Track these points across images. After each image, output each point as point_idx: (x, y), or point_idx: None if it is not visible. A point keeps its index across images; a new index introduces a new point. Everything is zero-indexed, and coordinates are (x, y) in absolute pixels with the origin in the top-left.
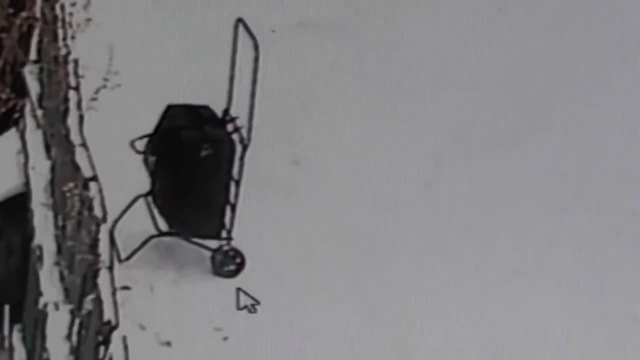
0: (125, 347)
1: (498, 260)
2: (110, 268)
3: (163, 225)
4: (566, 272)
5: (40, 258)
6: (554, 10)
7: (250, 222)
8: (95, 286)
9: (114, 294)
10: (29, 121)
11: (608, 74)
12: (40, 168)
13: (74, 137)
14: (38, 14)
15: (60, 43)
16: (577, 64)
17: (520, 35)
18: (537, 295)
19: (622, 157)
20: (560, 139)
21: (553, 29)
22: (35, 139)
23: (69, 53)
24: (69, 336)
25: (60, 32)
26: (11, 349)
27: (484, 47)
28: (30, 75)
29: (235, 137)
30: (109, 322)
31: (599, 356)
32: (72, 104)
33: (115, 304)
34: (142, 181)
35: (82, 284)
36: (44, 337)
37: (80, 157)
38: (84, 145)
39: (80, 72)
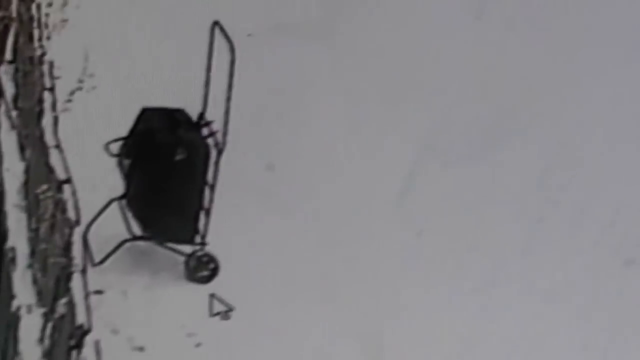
0: (98, 352)
1: (473, 269)
2: (84, 271)
3: (137, 229)
4: (542, 281)
5: (13, 260)
6: (531, 18)
7: (224, 227)
8: (68, 290)
9: (87, 297)
10: (4, 122)
11: (586, 83)
12: (14, 170)
13: (49, 139)
14: (14, 14)
15: (36, 44)
16: (554, 72)
17: (497, 43)
18: (513, 303)
19: (600, 165)
20: (537, 147)
21: (529, 36)
22: (9, 140)
23: (44, 54)
24: (41, 339)
25: (36, 33)
26: None
27: (460, 53)
28: (5, 76)
29: (210, 141)
30: (81, 326)
31: None
32: (47, 106)
33: (88, 307)
34: (117, 184)
35: (55, 287)
36: (16, 340)
37: (54, 159)
38: (58, 147)
39: (56, 73)
